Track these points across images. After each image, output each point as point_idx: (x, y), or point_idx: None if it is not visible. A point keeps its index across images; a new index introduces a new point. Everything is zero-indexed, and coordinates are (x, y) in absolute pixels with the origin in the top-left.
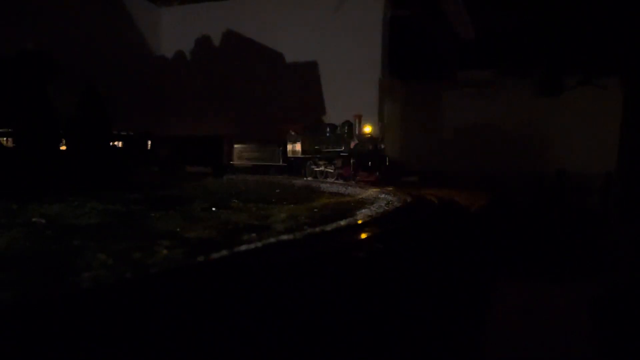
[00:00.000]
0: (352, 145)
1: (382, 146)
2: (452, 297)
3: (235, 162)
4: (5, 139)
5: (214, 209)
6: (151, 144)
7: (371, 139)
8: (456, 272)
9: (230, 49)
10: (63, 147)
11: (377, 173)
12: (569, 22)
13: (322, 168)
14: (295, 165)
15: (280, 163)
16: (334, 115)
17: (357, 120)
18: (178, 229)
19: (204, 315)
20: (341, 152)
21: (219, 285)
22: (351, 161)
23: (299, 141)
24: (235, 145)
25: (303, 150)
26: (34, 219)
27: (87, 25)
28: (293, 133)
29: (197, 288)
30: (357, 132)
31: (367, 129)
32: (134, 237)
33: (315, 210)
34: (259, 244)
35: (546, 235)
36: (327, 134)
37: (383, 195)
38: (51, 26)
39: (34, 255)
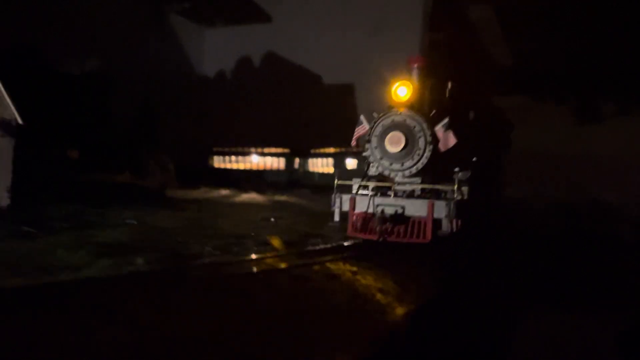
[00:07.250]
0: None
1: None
2: (475, 325)
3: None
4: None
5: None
6: None
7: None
8: (480, 301)
9: (270, 69)
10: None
11: (449, 227)
12: (607, 49)
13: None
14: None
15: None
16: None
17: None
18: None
19: None
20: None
21: None
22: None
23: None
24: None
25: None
26: None
27: (139, 46)
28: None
29: None
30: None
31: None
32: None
33: None
34: None
35: (575, 264)
36: None
37: None
38: (110, 48)
39: None
